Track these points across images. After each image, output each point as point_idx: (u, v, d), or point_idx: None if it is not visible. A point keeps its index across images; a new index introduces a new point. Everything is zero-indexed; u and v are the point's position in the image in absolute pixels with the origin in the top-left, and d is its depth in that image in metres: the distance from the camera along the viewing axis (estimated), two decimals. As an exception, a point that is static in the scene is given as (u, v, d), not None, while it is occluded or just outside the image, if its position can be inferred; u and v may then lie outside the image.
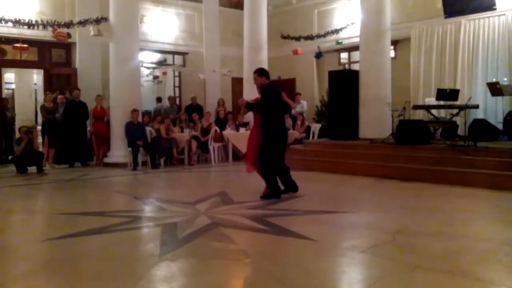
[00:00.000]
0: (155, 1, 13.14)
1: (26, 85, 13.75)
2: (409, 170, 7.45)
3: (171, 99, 12.90)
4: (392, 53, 10.94)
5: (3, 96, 11.66)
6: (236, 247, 3.81)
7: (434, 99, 9.43)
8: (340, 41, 12.62)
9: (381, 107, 9.47)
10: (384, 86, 9.81)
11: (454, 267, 3.27)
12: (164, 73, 13.91)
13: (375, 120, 9.60)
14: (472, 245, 3.90)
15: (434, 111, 9.37)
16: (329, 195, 6.57)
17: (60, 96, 10.36)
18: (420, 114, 10.52)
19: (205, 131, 10.75)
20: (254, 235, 4.25)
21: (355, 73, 10.25)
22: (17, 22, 9.72)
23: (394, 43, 11.34)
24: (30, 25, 9.87)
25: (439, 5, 10.37)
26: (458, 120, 9.22)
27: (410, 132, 8.29)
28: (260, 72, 6.07)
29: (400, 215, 5.07)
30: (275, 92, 5.99)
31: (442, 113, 9.90)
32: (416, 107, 9.61)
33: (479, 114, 9.63)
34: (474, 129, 8.32)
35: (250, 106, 6.19)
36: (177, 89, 14.21)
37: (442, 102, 9.36)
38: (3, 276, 3.27)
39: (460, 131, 9.14)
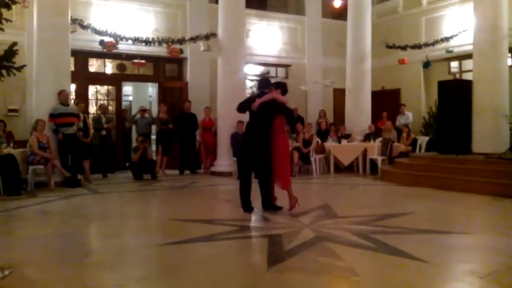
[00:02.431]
0: (260, 15, 13.52)
1: (142, 98, 14.86)
2: (531, 189, 6.81)
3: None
4: (509, 61, 10.09)
5: (123, 107, 12.73)
6: (343, 264, 3.75)
7: (560, 111, 8.55)
8: (450, 49, 11.96)
9: (497, 120, 8.81)
10: (501, 97, 9.09)
11: None
12: (267, 85, 14.20)
13: (491, 133, 8.92)
14: None
15: (560, 125, 8.49)
16: (440, 214, 6.22)
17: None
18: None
19: (307, 142, 10.79)
20: (361, 252, 4.15)
21: (468, 83, 9.62)
22: (136, 40, 10.55)
23: (512, 50, 10.47)
24: (147, 42, 10.66)
25: None
26: None
27: (532, 147, 7.58)
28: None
29: (522, 239, 4.66)
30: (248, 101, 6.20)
31: None
32: (538, 120, 8.78)
33: None
34: None
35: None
36: (279, 101, 14.41)
37: None
38: (123, 278, 3.52)
39: None
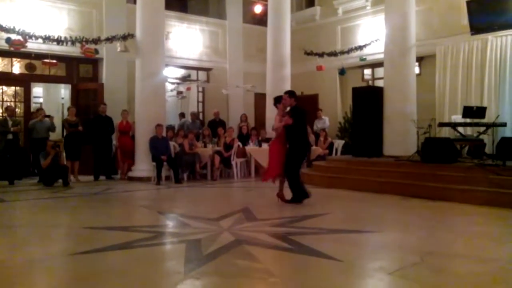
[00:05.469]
0: (180, 18, 13.36)
1: (53, 100, 14.05)
2: (436, 189, 7.31)
3: (193, 115, 13.02)
4: (417, 70, 10.84)
5: (32, 110, 11.92)
6: (261, 266, 3.77)
7: (460, 116, 9.27)
8: (363, 57, 12.57)
9: (406, 124, 9.37)
10: (409, 103, 9.71)
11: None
12: (188, 89, 14.06)
13: (400, 137, 9.49)
14: (503, 268, 3.78)
15: (460, 129, 9.21)
16: (353, 214, 6.48)
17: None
18: (446, 132, 10.35)
19: (228, 146, 10.79)
20: (278, 253, 4.20)
21: (379, 90, 10.18)
22: (47, 39, 9.94)
23: (419, 59, 11.24)
24: (59, 41, 10.09)
25: (465, 21, 10.25)
26: (486, 138, 9.04)
27: (436, 149, 8.15)
28: (291, 94, 7.05)
29: (427, 236, 4.97)
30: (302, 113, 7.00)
31: (468, 131, 9.71)
32: (442, 124, 9.46)
33: (507, 132, 9.41)
34: (502, 148, 8.10)
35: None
36: (200, 104, 14.33)
37: (468, 120, 9.20)
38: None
39: (488, 150, 8.95)
